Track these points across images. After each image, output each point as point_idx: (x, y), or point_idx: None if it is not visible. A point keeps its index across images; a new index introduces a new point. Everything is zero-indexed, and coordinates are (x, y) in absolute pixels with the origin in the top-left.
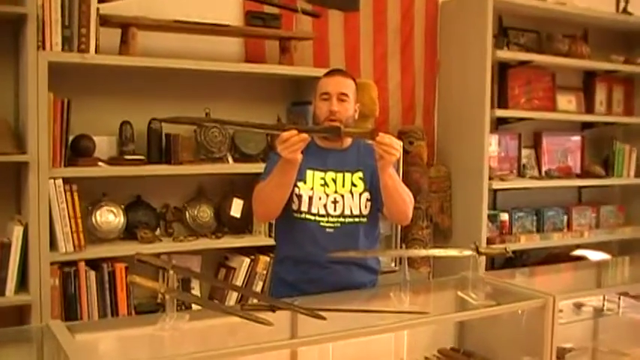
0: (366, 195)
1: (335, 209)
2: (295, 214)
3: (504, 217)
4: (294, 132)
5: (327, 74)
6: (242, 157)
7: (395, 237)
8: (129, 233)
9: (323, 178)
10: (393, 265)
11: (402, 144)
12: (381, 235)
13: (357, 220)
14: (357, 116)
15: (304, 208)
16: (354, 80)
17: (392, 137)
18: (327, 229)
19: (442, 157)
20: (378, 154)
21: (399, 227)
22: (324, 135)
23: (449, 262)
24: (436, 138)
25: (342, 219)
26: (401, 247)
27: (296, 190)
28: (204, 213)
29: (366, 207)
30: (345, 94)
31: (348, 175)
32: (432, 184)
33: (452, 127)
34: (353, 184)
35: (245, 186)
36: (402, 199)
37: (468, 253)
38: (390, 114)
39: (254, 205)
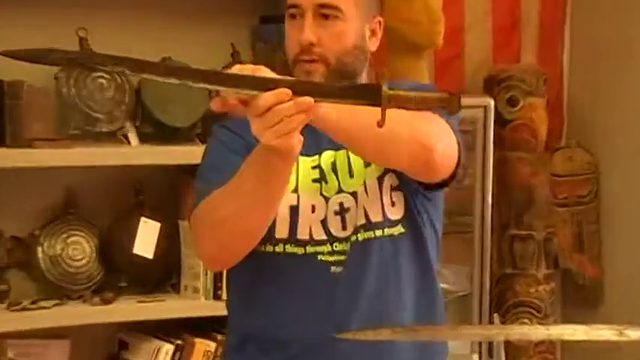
0: (391, 178)
1: (344, 224)
2: (264, 247)
3: None
4: (286, 92)
5: None
6: (158, 135)
7: (480, 299)
8: None
9: (317, 167)
10: (475, 357)
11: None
12: (447, 294)
13: (382, 234)
14: (371, 47)
15: (282, 233)
16: None
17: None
18: (333, 269)
19: (580, 133)
20: None
21: (487, 282)
22: (339, 101)
23: (594, 353)
24: (566, 93)
25: (356, 236)
26: (491, 319)
27: None
28: (78, 249)
29: (393, 204)
30: (332, 6)
31: None
32: (559, 187)
33: (601, 72)
34: (365, 163)
35: (164, 192)
36: (393, 122)
37: (635, 334)
38: (468, 42)
39: (198, 237)
